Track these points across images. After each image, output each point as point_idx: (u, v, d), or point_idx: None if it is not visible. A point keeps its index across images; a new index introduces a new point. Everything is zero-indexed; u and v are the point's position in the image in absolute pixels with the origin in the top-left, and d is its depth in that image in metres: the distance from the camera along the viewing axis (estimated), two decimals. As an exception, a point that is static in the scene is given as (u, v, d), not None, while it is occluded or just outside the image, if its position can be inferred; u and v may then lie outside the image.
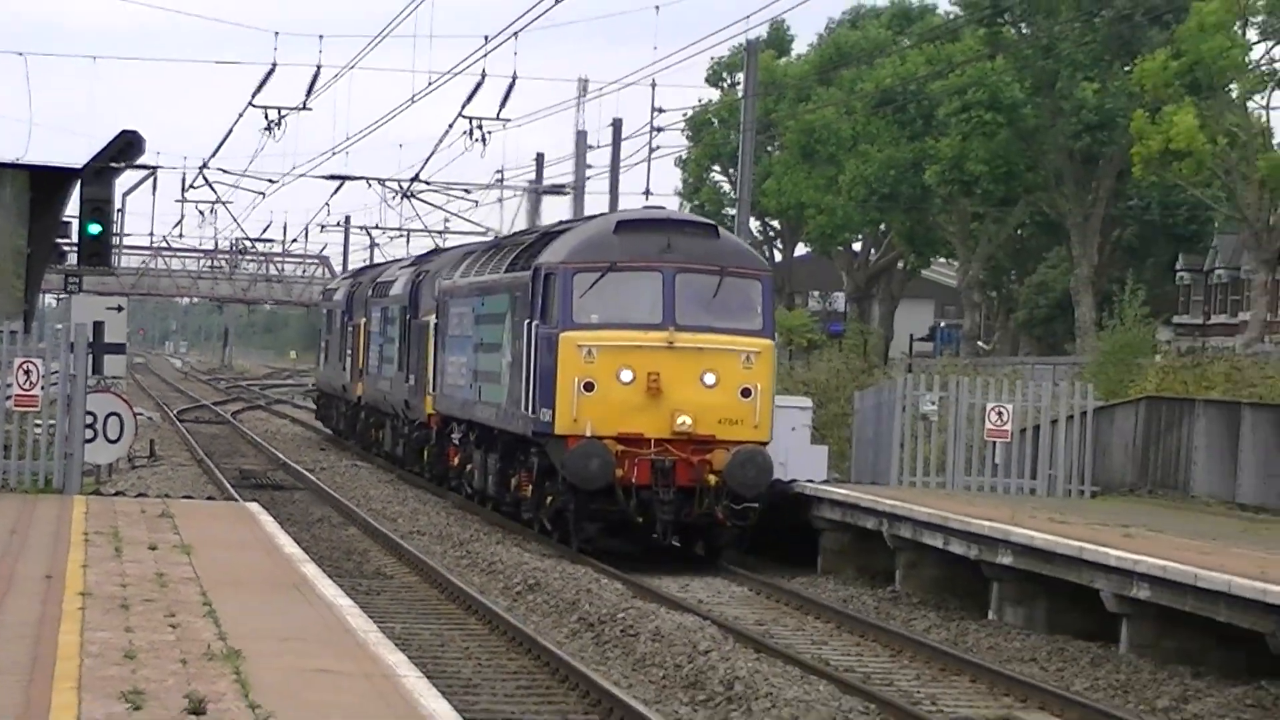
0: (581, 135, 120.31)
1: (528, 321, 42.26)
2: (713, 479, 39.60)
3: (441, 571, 45.21)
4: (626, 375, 39.70)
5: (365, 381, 74.58)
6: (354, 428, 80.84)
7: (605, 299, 40.37)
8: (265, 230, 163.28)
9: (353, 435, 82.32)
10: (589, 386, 39.43)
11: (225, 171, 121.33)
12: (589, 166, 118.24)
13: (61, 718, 18.46)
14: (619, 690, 31.20)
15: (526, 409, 42.39)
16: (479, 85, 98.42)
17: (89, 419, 46.11)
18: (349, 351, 79.80)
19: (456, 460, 57.63)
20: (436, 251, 75.29)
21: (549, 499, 43.04)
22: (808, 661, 34.65)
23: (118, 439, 47.69)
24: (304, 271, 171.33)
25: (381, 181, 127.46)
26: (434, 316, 58.49)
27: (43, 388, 45.44)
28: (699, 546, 41.98)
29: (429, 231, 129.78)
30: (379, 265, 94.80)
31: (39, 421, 45.25)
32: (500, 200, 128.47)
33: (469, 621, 39.22)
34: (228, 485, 60.74)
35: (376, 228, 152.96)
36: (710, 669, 33.52)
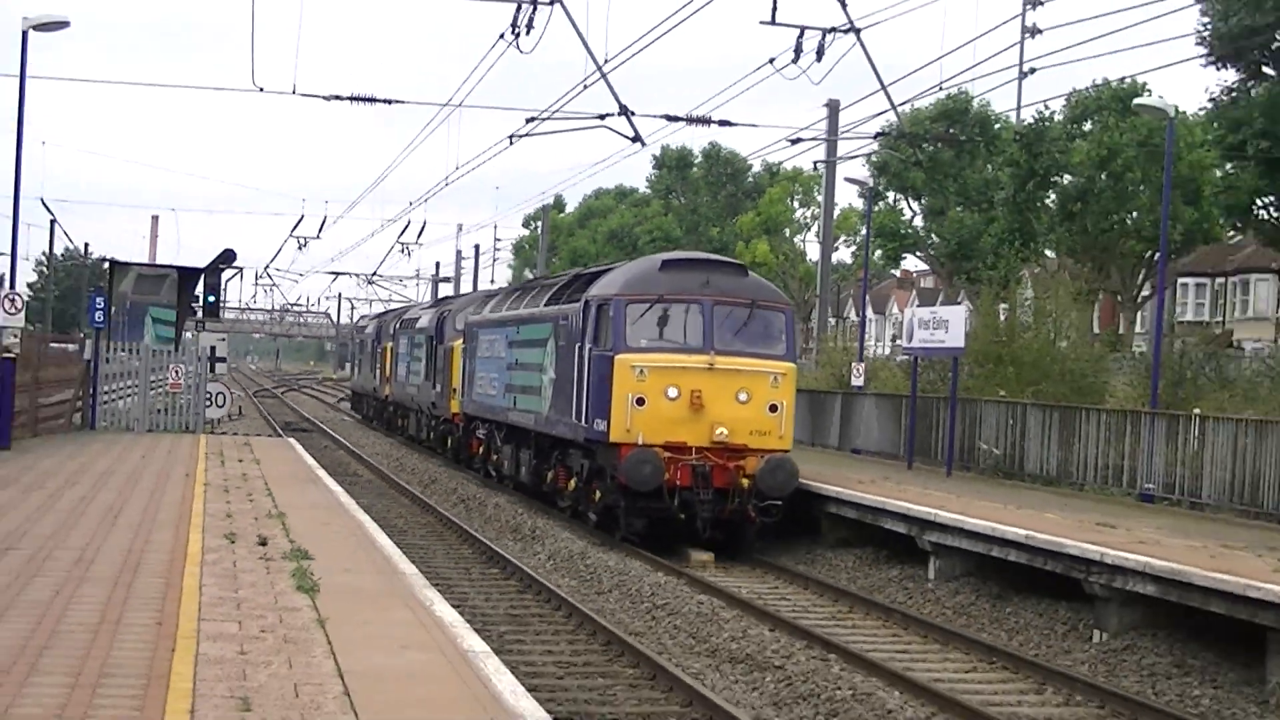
0: (459, 253, 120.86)
1: (578, 345, 32.08)
2: (745, 482, 29.82)
3: (388, 473, 44.96)
4: (673, 392, 29.79)
5: (392, 386, 65.38)
6: (381, 416, 71.61)
7: (654, 326, 30.46)
8: (298, 299, 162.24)
9: (379, 420, 72.82)
10: (640, 401, 29.67)
11: (277, 270, 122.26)
12: (463, 270, 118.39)
13: (193, 547, 18.37)
14: (477, 532, 31.33)
15: (578, 419, 31.85)
16: (406, 226, 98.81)
17: (208, 395, 45.88)
18: (378, 366, 70.99)
19: (480, 450, 44.72)
20: (450, 298, 66.03)
21: (597, 495, 32.08)
22: (568, 523, 34.36)
23: (223, 405, 47.46)
24: (317, 320, 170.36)
25: (358, 275, 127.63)
26: (460, 342, 46.97)
27: (185, 379, 45.18)
28: (704, 528, 30.07)
29: (383, 300, 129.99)
30: (394, 310, 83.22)
31: (183, 397, 44.97)
32: (417, 285, 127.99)
33: (401, 499, 38.87)
34: (278, 429, 60.40)
35: (357, 299, 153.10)
36: (523, 523, 33.51)
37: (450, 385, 47.84)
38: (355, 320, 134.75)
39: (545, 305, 35.83)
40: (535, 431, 36.00)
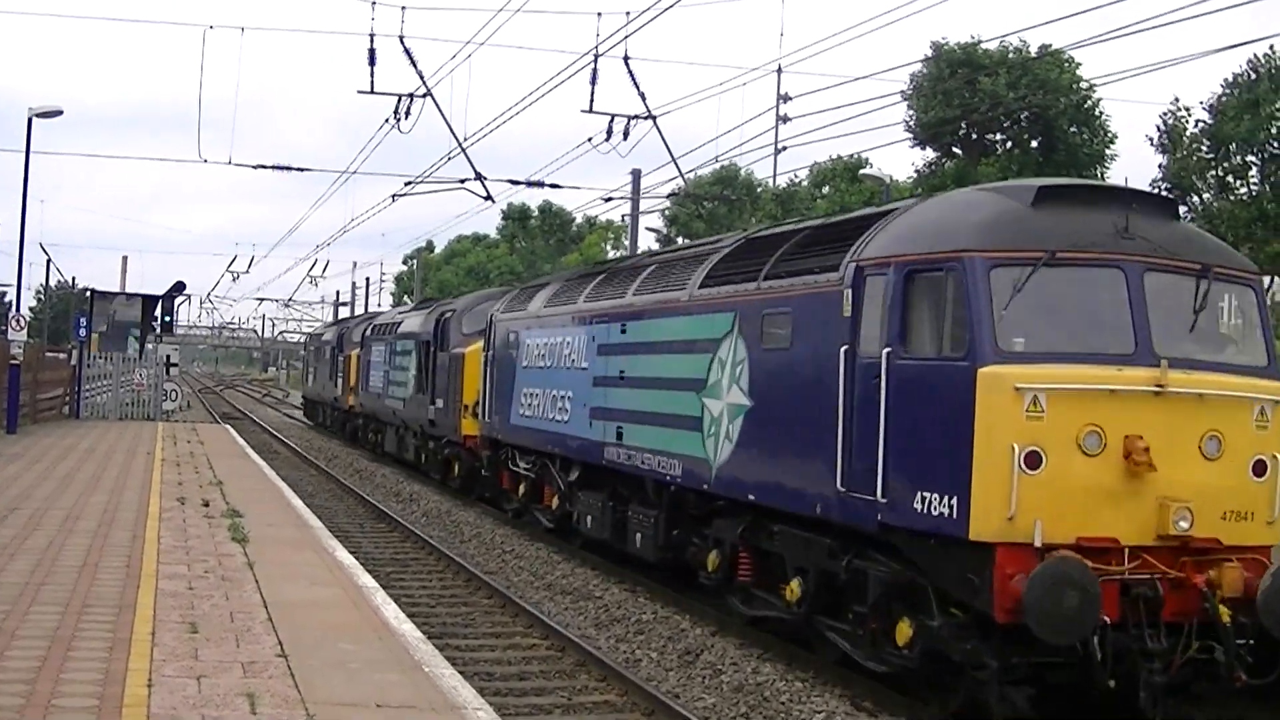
0: (354, 284, 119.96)
1: (844, 348, 11.40)
2: (1225, 613, 9.56)
3: (300, 450, 44.34)
4: (1093, 441, 9.62)
5: (359, 396, 46.81)
6: (344, 426, 52.41)
7: (1037, 311, 9.98)
8: (232, 319, 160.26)
9: (341, 431, 53.33)
10: (1034, 460, 9.46)
11: (217, 296, 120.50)
12: (355, 297, 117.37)
13: (153, 508, 18.20)
14: (366, 492, 30.86)
15: (846, 485, 11.25)
16: (314, 263, 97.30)
17: (164, 392, 45.20)
18: (340, 374, 52.56)
19: (521, 489, 24.70)
20: (447, 300, 43.59)
21: (907, 630, 10.90)
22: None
23: (176, 400, 46.79)
24: (247, 334, 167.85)
25: (277, 300, 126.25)
26: (479, 348, 28.14)
27: (146, 380, 44.55)
28: (1153, 702, 9.90)
29: (300, 320, 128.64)
30: (357, 317, 67.46)
31: (145, 393, 44.33)
32: (323, 307, 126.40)
33: (310, 470, 38.32)
34: (217, 418, 59.51)
35: (277, 318, 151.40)
36: (412, 497, 33.10)
37: (460, 401, 30.91)
38: (277, 334, 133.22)
39: (701, 287, 16.24)
40: (679, 485, 16.70)
